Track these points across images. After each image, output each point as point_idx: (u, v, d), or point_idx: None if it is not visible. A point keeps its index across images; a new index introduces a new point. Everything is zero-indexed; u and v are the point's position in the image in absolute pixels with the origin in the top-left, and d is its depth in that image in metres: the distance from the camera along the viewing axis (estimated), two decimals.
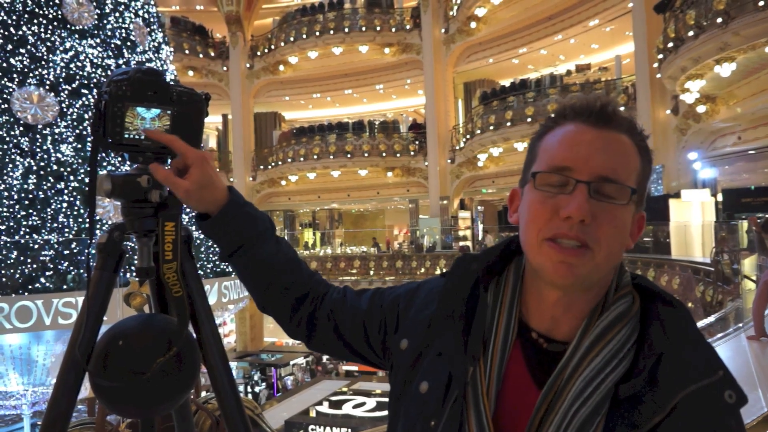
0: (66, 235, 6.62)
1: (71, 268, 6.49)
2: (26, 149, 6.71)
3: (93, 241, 1.02)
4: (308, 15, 21.51)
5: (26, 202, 6.55)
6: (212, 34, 24.18)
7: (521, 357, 0.82)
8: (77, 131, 7.00)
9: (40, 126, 6.83)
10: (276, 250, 1.03)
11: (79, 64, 7.19)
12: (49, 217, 6.60)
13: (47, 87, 6.92)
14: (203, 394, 2.72)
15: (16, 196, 6.52)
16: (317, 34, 20.91)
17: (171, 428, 1.25)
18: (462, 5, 18.92)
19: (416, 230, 21.33)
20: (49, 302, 6.02)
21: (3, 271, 6.17)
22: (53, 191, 6.70)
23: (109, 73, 7.15)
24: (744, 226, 10.86)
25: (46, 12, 7.07)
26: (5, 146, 6.63)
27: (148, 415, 1.15)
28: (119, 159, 6.77)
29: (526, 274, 0.86)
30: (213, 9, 24.87)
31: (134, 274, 1.10)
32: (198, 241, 7.68)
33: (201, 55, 23.35)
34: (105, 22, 7.57)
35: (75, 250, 6.60)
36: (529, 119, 16.73)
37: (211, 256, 8.08)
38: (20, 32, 6.89)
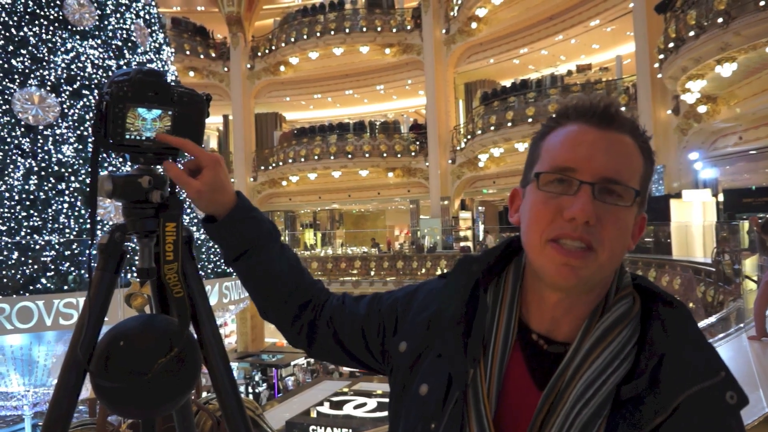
0: (67, 235, 6.62)
1: (72, 268, 6.49)
2: (27, 150, 6.72)
3: (94, 241, 1.02)
4: (309, 15, 21.50)
5: (27, 203, 6.56)
6: (213, 34, 24.18)
7: (521, 358, 0.81)
8: (78, 132, 7.01)
9: (41, 127, 6.83)
10: (280, 256, 1.03)
11: (80, 65, 7.20)
12: (50, 217, 6.60)
13: (48, 88, 6.93)
14: (204, 394, 2.72)
15: (17, 197, 6.52)
16: (318, 34, 20.90)
17: (172, 429, 1.25)
18: (463, 6, 18.90)
19: (417, 231, 21.29)
20: (50, 303, 6.02)
21: (4, 272, 6.17)
22: (54, 192, 6.71)
23: (110, 74, 7.16)
24: (745, 226, 10.85)
25: (47, 13, 7.08)
26: (6, 147, 6.63)
27: (149, 415, 1.15)
28: (120, 160, 6.78)
29: (526, 275, 0.85)
30: (214, 10, 24.87)
31: (135, 274, 1.10)
32: (199, 242, 7.69)
33: (202, 56, 23.35)
34: (106, 23, 7.58)
35: (76, 251, 6.60)
36: (530, 119, 16.71)
37: (212, 256, 8.07)
38: (21, 33, 6.90)
